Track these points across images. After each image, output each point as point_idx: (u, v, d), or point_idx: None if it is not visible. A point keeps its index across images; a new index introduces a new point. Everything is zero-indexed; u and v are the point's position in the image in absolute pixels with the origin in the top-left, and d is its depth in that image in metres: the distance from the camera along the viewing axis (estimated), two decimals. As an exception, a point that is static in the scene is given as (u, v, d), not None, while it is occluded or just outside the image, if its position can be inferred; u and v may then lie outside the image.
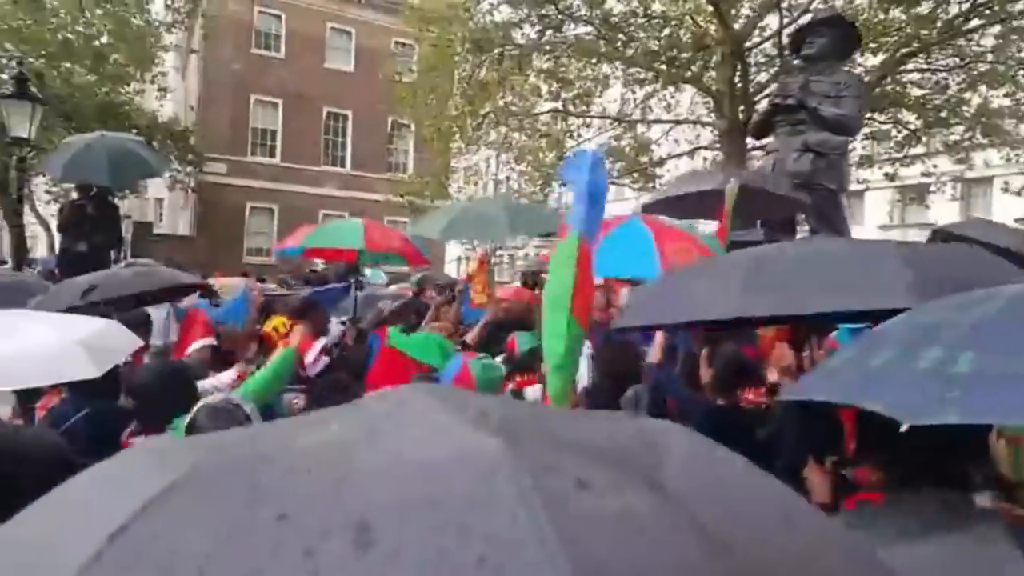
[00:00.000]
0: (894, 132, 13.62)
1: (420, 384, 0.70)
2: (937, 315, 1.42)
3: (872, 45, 11.85)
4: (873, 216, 22.87)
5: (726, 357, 3.02)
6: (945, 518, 1.16)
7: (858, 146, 14.46)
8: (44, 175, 16.26)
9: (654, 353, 3.42)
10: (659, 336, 3.45)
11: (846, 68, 6.13)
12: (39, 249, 28.90)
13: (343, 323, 6.14)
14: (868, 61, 12.28)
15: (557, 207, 18.97)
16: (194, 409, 2.38)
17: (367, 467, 0.50)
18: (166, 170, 11.45)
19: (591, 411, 0.74)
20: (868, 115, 13.03)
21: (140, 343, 3.33)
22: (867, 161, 14.75)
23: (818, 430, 2.13)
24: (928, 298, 1.62)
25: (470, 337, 4.72)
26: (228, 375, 3.54)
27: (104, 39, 18.85)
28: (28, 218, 22.22)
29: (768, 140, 5.76)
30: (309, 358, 3.70)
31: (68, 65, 17.79)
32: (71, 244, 7.65)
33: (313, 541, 0.43)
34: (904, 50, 11.10)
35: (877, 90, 11.65)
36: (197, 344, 4.48)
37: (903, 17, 11.10)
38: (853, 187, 17.14)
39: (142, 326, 5.28)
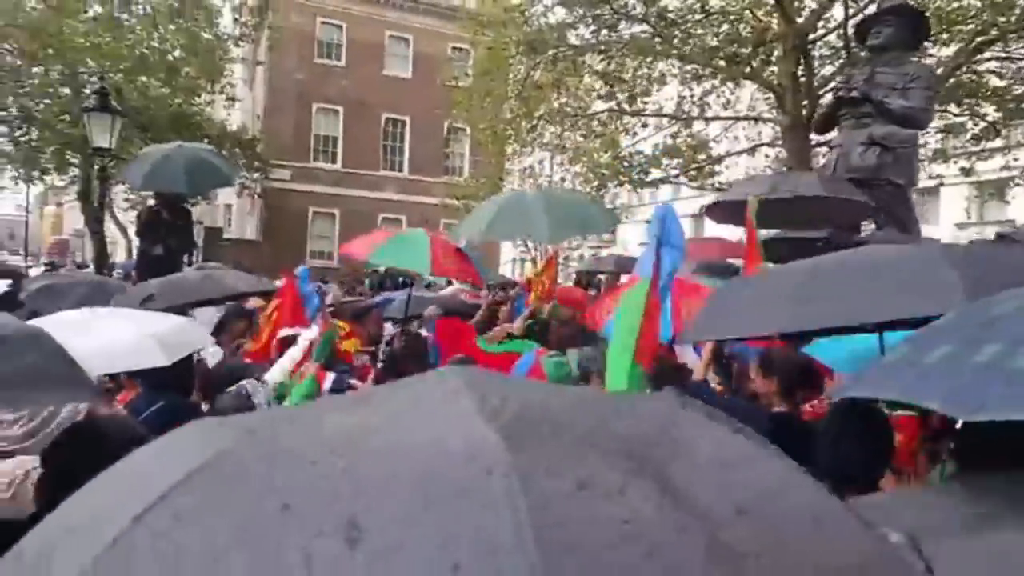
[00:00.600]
0: (970, 125, 12.98)
1: (456, 368, 0.71)
2: (994, 310, 1.37)
3: (946, 35, 11.37)
4: (949, 213, 21.86)
5: (788, 362, 2.96)
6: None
7: (931, 140, 13.85)
8: (123, 183, 17.09)
9: (698, 371, 3.40)
10: (705, 352, 3.44)
11: (916, 58, 5.89)
12: (118, 254, 30.46)
13: (397, 323, 6.26)
14: (942, 51, 11.77)
15: (613, 207, 18.88)
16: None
17: (370, 461, 0.53)
18: (237, 178, 11.92)
19: (631, 396, 0.72)
20: (942, 108, 12.48)
21: (211, 341, 3.48)
22: (941, 155, 14.11)
23: (872, 437, 2.09)
24: (977, 299, 1.57)
25: (516, 327, 4.75)
26: (298, 349, 3.67)
27: (177, 53, 19.71)
28: (108, 224, 23.46)
29: (832, 135, 5.58)
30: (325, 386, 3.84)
31: (144, 79, 18.67)
32: (148, 247, 8.01)
33: (308, 536, 0.46)
34: (981, 38, 10.57)
35: (951, 81, 11.14)
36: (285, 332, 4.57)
37: (979, 4, 10.59)
38: (926, 183, 16.47)
39: (249, 321, 5.50)
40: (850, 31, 10.00)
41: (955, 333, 1.37)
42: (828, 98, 7.27)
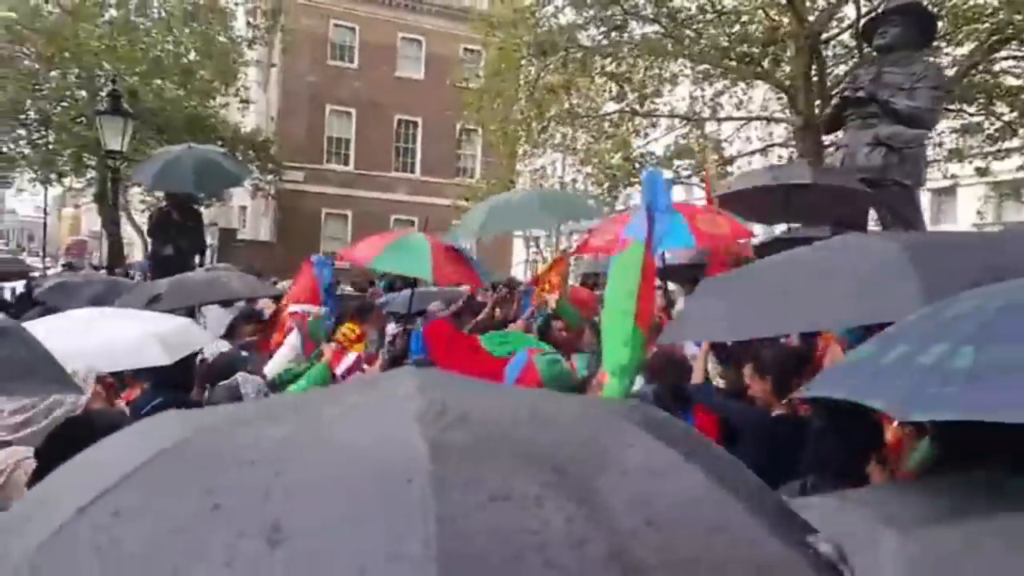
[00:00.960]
0: (986, 124, 12.82)
1: (412, 370, 0.73)
2: (951, 310, 1.37)
3: (961, 33, 11.25)
4: (967, 214, 21.61)
5: (781, 359, 2.95)
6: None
7: (947, 140, 13.71)
8: (138, 185, 17.32)
9: (698, 370, 3.38)
10: (700, 355, 3.43)
11: (929, 58, 5.81)
12: (135, 255, 30.81)
13: (398, 322, 6.29)
14: (957, 50, 11.64)
15: (624, 207, 18.79)
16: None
17: (304, 465, 0.54)
18: (246, 178, 12.05)
19: (576, 403, 0.73)
20: (958, 107, 12.35)
21: (211, 339, 3.53)
22: (957, 155, 13.94)
23: (858, 432, 2.09)
24: (936, 300, 1.57)
25: (519, 324, 4.77)
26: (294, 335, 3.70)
27: (192, 56, 19.94)
28: (125, 226, 23.77)
29: (838, 135, 5.55)
30: (340, 369, 3.87)
31: (159, 81, 18.91)
32: (159, 248, 8.13)
33: (232, 536, 0.48)
34: (996, 37, 10.45)
35: (965, 80, 11.02)
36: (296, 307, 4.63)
37: (996, 2, 10.46)
38: (942, 183, 16.30)
39: (258, 323, 5.56)
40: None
41: (913, 332, 1.38)
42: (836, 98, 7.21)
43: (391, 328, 6.28)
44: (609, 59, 13.45)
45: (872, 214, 5.27)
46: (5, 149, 20.16)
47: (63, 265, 24.20)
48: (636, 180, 15.32)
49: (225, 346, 4.98)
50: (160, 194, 12.76)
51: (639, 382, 3.67)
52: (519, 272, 24.96)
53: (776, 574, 0.52)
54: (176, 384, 3.32)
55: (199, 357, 3.61)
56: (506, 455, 0.55)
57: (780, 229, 6.23)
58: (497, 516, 0.48)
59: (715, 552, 0.51)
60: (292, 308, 4.38)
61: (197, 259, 8.83)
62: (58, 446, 1.77)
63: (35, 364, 1.65)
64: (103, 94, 13.95)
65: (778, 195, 4.64)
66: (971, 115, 12.77)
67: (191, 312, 5.44)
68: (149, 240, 8.89)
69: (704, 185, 15.99)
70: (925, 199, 26.85)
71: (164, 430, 0.65)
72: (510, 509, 0.49)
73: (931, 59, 6.25)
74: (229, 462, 0.56)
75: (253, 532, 0.48)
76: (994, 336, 1.21)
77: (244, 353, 4.30)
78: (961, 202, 21.65)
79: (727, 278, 2.96)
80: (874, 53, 5.88)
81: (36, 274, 14.61)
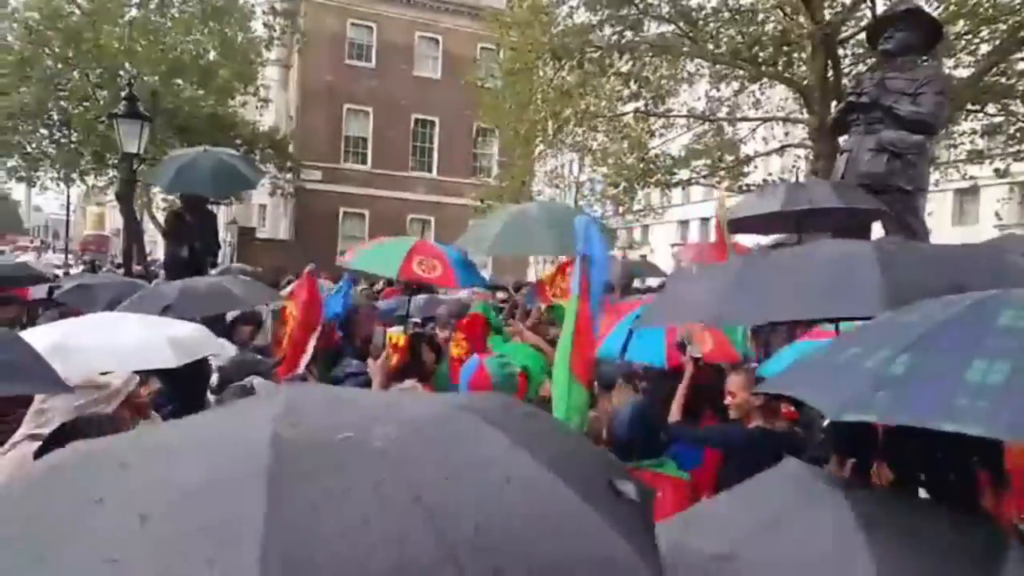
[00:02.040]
0: (1005, 125, 12.63)
1: (300, 386, 0.85)
2: (906, 317, 1.42)
3: (982, 33, 11.09)
4: (989, 215, 21.31)
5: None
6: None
7: (966, 141, 13.52)
8: (154, 187, 17.59)
9: (673, 412, 3.38)
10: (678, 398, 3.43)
11: (933, 62, 5.74)
12: (158, 253, 31.30)
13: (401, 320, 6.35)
14: (978, 50, 11.47)
15: (641, 207, 18.72)
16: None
17: (175, 469, 0.66)
18: (260, 181, 12.23)
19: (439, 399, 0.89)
20: (977, 108, 12.17)
21: (221, 348, 3.59)
22: (977, 156, 13.74)
23: (845, 431, 2.14)
24: (898, 306, 1.60)
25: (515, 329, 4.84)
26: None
27: (211, 56, 20.19)
28: (147, 224, 24.15)
29: (843, 139, 5.52)
30: None
31: (179, 82, 19.17)
32: (175, 250, 8.27)
33: (112, 521, 0.60)
34: (1021, 34, 10.26)
35: (982, 82, 10.86)
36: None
37: (1017, 1, 10.29)
38: (962, 184, 16.07)
39: (256, 326, 5.68)
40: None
41: (867, 336, 1.42)
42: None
43: (394, 331, 6.34)
44: (624, 58, 13.41)
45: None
46: (28, 149, 20.54)
47: (83, 263, 24.49)
48: (652, 181, 15.29)
49: (233, 350, 5.10)
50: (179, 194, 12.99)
51: None
52: (532, 274, 24.94)
53: (557, 512, 0.67)
54: (188, 387, 3.38)
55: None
56: (347, 455, 0.67)
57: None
58: (323, 508, 0.60)
59: (503, 498, 0.65)
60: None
61: (211, 260, 8.98)
62: (47, 450, 1.85)
63: (24, 365, 1.76)
64: (122, 95, 14.19)
65: (789, 218, 4.66)
66: (991, 116, 12.58)
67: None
68: (165, 241, 9.04)
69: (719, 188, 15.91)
70: (948, 200, 26.53)
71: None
72: (331, 500, 0.61)
73: (934, 64, 6.18)
74: (107, 467, 0.70)
75: (128, 517, 0.60)
76: (929, 346, 1.26)
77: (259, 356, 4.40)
78: (984, 203, 21.32)
79: (706, 269, 3.01)
80: (879, 57, 5.84)
81: (59, 272, 14.89)
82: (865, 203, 4.62)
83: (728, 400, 3.08)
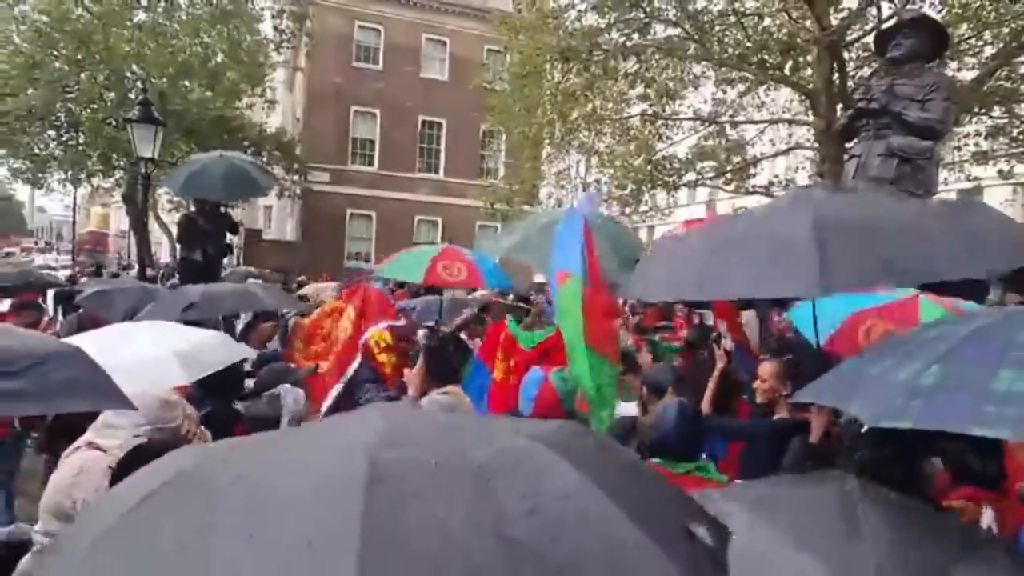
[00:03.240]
0: (1008, 127, 12.68)
1: (379, 409, 0.91)
2: (933, 332, 1.52)
3: (985, 37, 11.14)
4: (993, 215, 21.32)
5: (788, 363, 3.05)
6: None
7: (970, 143, 13.58)
8: (165, 189, 17.68)
9: (705, 403, 3.46)
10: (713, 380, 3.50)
11: (937, 69, 5.82)
12: (162, 254, 31.41)
13: (429, 328, 6.41)
14: (982, 53, 11.52)
15: (648, 208, 18.78)
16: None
17: (273, 492, 0.73)
18: (272, 188, 12.33)
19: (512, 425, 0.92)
20: (981, 111, 12.22)
21: (242, 355, 3.63)
22: (982, 158, 13.79)
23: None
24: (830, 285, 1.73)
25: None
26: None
27: (219, 59, 20.29)
28: (152, 225, 24.28)
29: (852, 143, 5.60)
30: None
31: (187, 84, 19.28)
32: (188, 254, 8.37)
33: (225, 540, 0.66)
34: (1020, 40, 10.32)
35: (987, 86, 10.92)
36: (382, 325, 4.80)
37: (1020, 8, 10.34)
38: (965, 185, 16.08)
39: (276, 323, 5.76)
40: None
41: (897, 350, 1.52)
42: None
43: (420, 334, 6.43)
44: (632, 60, 13.48)
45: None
46: (36, 150, 20.68)
47: (79, 264, 24.30)
48: (659, 183, 15.36)
49: (250, 352, 5.17)
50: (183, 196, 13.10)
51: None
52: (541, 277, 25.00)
53: (628, 553, 0.70)
54: (224, 391, 3.44)
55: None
56: (431, 474, 0.73)
57: None
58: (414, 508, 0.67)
59: (577, 536, 0.69)
60: (380, 327, 4.55)
61: (224, 262, 9.08)
62: (121, 472, 1.94)
63: (90, 381, 1.84)
64: (132, 97, 14.27)
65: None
66: (995, 118, 12.64)
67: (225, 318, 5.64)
68: (178, 245, 9.14)
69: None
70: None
71: (163, 468, 0.85)
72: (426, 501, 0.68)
73: (939, 72, 6.25)
74: (212, 491, 0.75)
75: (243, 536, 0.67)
76: (956, 358, 1.38)
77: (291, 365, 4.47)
78: (987, 202, 21.29)
79: (675, 240, 3.05)
80: (887, 64, 5.90)
81: (54, 274, 14.92)
82: None
83: (757, 384, 3.15)
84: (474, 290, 7.35)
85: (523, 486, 0.71)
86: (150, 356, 2.95)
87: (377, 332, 4.70)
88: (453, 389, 3.25)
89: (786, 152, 15.86)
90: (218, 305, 4.72)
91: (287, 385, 3.03)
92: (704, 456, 3.00)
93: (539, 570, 0.64)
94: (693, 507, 0.84)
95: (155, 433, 2.26)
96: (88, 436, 2.32)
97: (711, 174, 15.90)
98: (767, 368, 3.33)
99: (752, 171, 16.14)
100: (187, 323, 3.97)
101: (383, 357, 4.40)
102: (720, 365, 3.62)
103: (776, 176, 16.42)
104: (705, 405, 3.48)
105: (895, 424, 1.30)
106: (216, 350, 3.31)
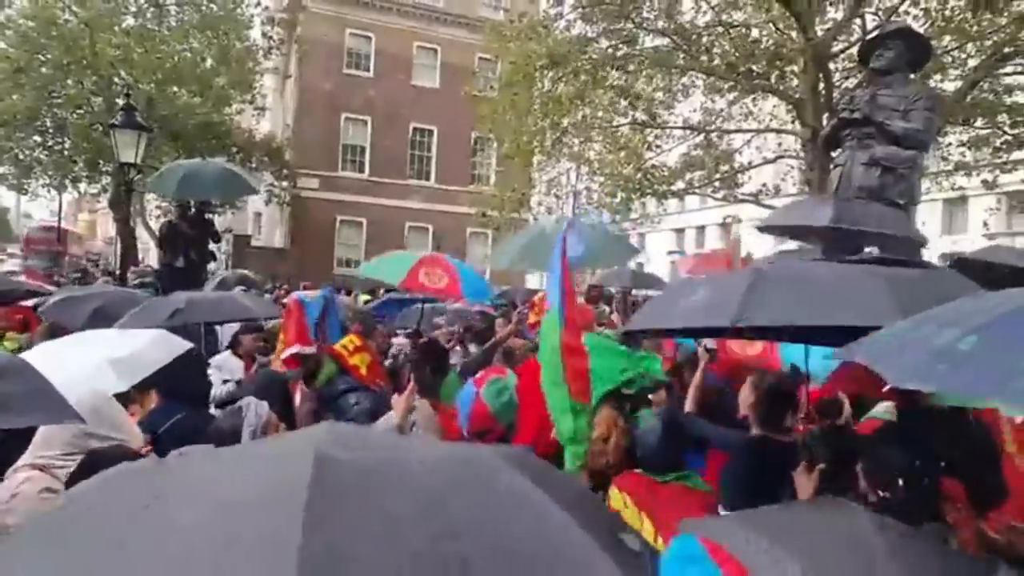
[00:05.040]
0: (992, 138, 12.80)
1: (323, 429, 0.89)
2: (974, 305, 1.54)
3: (968, 49, 11.24)
4: (978, 224, 21.52)
5: (769, 385, 3.02)
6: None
7: (954, 153, 13.69)
8: (153, 194, 17.58)
9: (688, 403, 3.46)
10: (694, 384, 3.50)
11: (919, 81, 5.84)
12: (151, 260, 31.15)
13: (409, 335, 6.37)
14: (964, 65, 11.63)
15: (638, 217, 18.83)
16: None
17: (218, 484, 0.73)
18: (257, 189, 12.32)
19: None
20: (965, 122, 12.32)
21: (183, 349, 3.49)
22: (965, 167, 13.91)
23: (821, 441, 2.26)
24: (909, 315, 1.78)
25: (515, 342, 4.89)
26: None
27: (208, 64, 20.22)
28: (140, 232, 24.10)
29: (836, 153, 5.60)
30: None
31: (176, 89, 19.18)
32: (171, 260, 8.29)
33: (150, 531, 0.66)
34: (1004, 50, 10.41)
35: (970, 97, 11.01)
36: (289, 351, 4.71)
37: (1002, 21, 10.44)
38: (950, 195, 16.24)
39: (256, 331, 5.68)
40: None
41: (944, 317, 1.54)
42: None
43: (398, 341, 6.38)
44: (619, 71, 13.52)
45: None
46: (21, 156, 20.52)
47: (75, 274, 23.36)
48: (649, 191, 15.41)
49: (236, 364, 5.11)
50: (177, 204, 13.01)
51: None
52: (535, 281, 24.98)
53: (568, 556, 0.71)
54: (187, 397, 3.39)
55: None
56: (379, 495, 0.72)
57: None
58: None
59: (525, 543, 0.70)
60: (287, 353, 4.46)
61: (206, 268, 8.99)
62: (73, 481, 1.90)
63: (32, 395, 1.78)
64: (119, 103, 14.16)
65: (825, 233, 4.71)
66: (979, 128, 12.75)
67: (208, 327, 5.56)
68: (159, 251, 9.06)
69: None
70: (937, 210, 26.69)
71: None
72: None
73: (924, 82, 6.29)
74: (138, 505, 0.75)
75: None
76: (998, 332, 1.37)
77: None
78: (972, 213, 21.52)
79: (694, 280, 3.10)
80: (870, 75, 5.92)
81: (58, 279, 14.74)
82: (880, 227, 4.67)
83: (741, 397, 3.15)
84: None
85: (471, 490, 0.72)
86: (82, 366, 2.86)
87: (346, 338, 4.65)
88: (423, 403, 3.21)
89: (773, 161, 15.95)
90: (203, 312, 4.68)
91: (251, 398, 2.97)
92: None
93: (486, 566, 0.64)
94: (617, 519, 0.87)
95: (93, 445, 2.22)
96: (28, 457, 2.26)
97: (698, 184, 15.98)
98: (750, 382, 3.32)
99: (740, 180, 16.21)
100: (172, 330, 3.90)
101: (356, 360, 4.32)
102: (702, 364, 3.61)
103: (764, 185, 16.50)
104: (689, 404, 3.46)
105: (920, 386, 1.33)
106: (154, 349, 3.22)
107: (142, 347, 3.23)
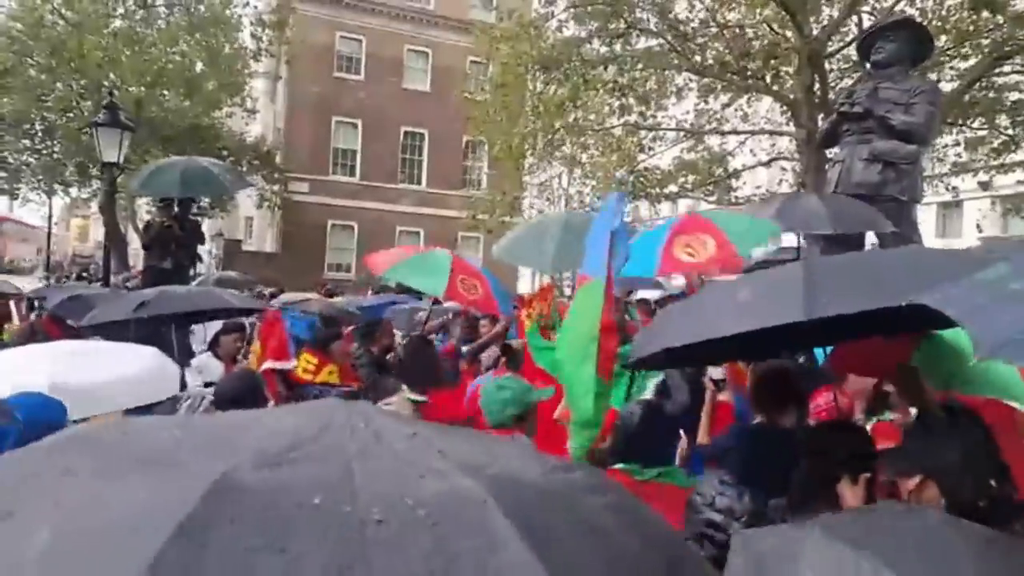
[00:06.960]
0: (988, 138, 12.75)
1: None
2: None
3: (965, 47, 11.19)
4: (972, 226, 21.53)
5: (764, 369, 2.92)
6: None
7: (950, 154, 13.64)
8: (142, 196, 17.39)
9: (700, 434, 3.34)
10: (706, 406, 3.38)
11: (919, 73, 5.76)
12: (140, 263, 30.84)
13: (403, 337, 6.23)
14: (961, 64, 11.58)
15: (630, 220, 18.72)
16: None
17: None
18: (236, 191, 12.17)
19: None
20: (962, 122, 12.27)
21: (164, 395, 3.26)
22: (961, 169, 13.86)
23: (844, 444, 2.10)
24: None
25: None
26: None
27: (198, 67, 20.05)
28: (131, 236, 23.86)
29: (835, 150, 5.49)
30: None
31: (165, 92, 19.01)
32: (157, 261, 8.11)
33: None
34: (1001, 51, 10.37)
35: (967, 96, 10.96)
36: (266, 365, 4.56)
37: (1000, 19, 10.41)
38: (944, 198, 16.23)
39: (236, 332, 5.50)
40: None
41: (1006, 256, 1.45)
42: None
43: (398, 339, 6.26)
44: (612, 69, 13.42)
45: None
46: (10, 160, 20.29)
47: (76, 275, 23.29)
48: (641, 194, 15.31)
49: (216, 366, 4.94)
50: (161, 205, 12.83)
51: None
52: (525, 284, 24.86)
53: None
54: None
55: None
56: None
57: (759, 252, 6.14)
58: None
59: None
60: (265, 366, 4.33)
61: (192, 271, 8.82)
62: None
63: None
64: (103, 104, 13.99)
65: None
66: (975, 129, 12.69)
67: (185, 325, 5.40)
68: (143, 252, 8.88)
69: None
70: (931, 213, 26.74)
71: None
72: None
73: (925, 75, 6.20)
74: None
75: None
76: None
77: None
78: (966, 216, 21.53)
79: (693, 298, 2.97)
80: (870, 69, 5.83)
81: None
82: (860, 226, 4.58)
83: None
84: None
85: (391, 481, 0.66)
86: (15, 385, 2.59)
87: (301, 359, 4.56)
88: (397, 399, 3.11)
89: (768, 163, 15.87)
90: (170, 304, 4.50)
91: (191, 390, 2.83)
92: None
93: None
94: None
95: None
96: None
97: (690, 187, 15.91)
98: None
99: (734, 183, 16.14)
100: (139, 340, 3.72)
101: (324, 376, 4.25)
102: (710, 395, 3.49)
103: (759, 187, 16.43)
104: (702, 436, 3.33)
105: (953, 315, 1.22)
106: (128, 387, 2.82)
107: (101, 382, 2.76)
